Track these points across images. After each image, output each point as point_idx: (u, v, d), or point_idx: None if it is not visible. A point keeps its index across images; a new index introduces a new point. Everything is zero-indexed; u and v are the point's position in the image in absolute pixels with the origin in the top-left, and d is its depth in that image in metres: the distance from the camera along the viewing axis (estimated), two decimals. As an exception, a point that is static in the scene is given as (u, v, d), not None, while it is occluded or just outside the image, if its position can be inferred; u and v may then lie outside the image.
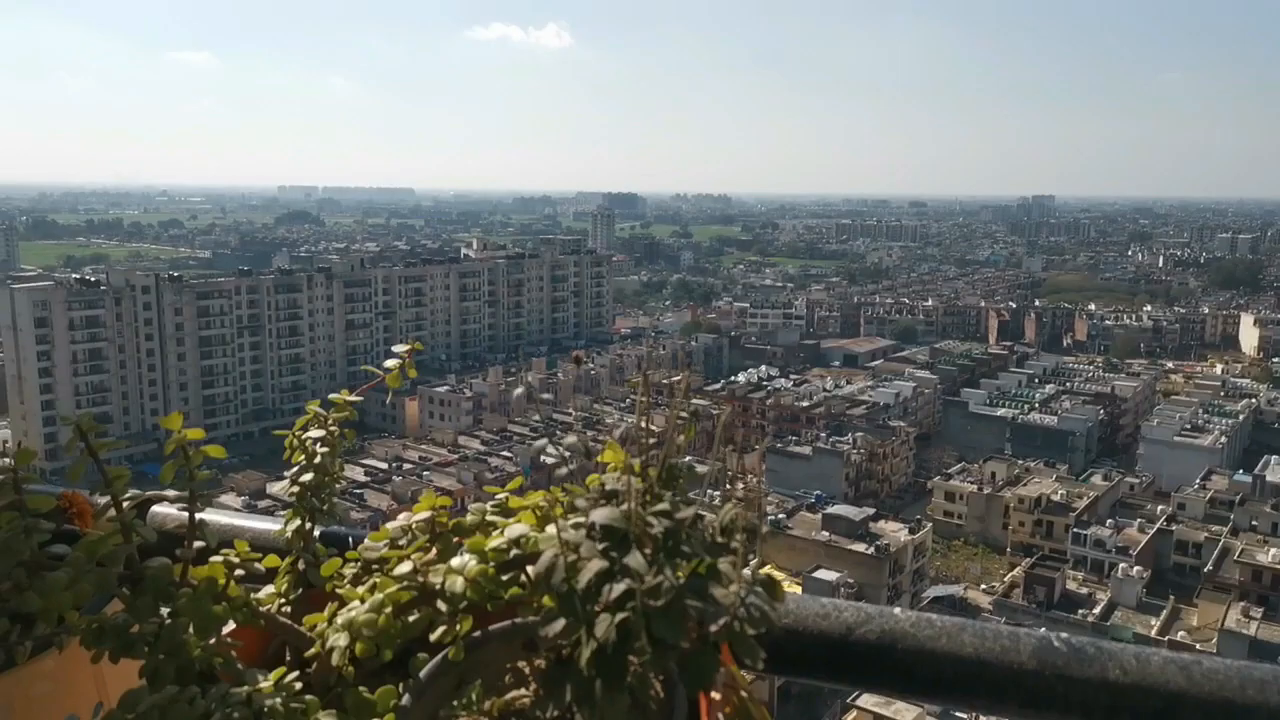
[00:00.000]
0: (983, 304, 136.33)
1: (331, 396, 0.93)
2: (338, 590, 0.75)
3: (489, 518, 0.79)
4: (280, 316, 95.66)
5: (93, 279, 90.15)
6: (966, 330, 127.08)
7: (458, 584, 0.63)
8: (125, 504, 0.90)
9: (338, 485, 0.87)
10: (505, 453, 67.70)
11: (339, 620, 0.64)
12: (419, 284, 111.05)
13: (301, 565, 0.79)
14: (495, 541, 0.66)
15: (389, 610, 0.65)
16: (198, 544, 0.70)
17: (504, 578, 0.66)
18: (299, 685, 0.67)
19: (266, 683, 0.66)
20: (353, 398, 0.94)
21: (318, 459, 0.86)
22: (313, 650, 0.68)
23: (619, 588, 0.54)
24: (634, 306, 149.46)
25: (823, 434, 71.10)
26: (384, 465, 59.74)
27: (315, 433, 0.87)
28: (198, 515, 0.70)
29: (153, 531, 0.66)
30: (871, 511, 56.16)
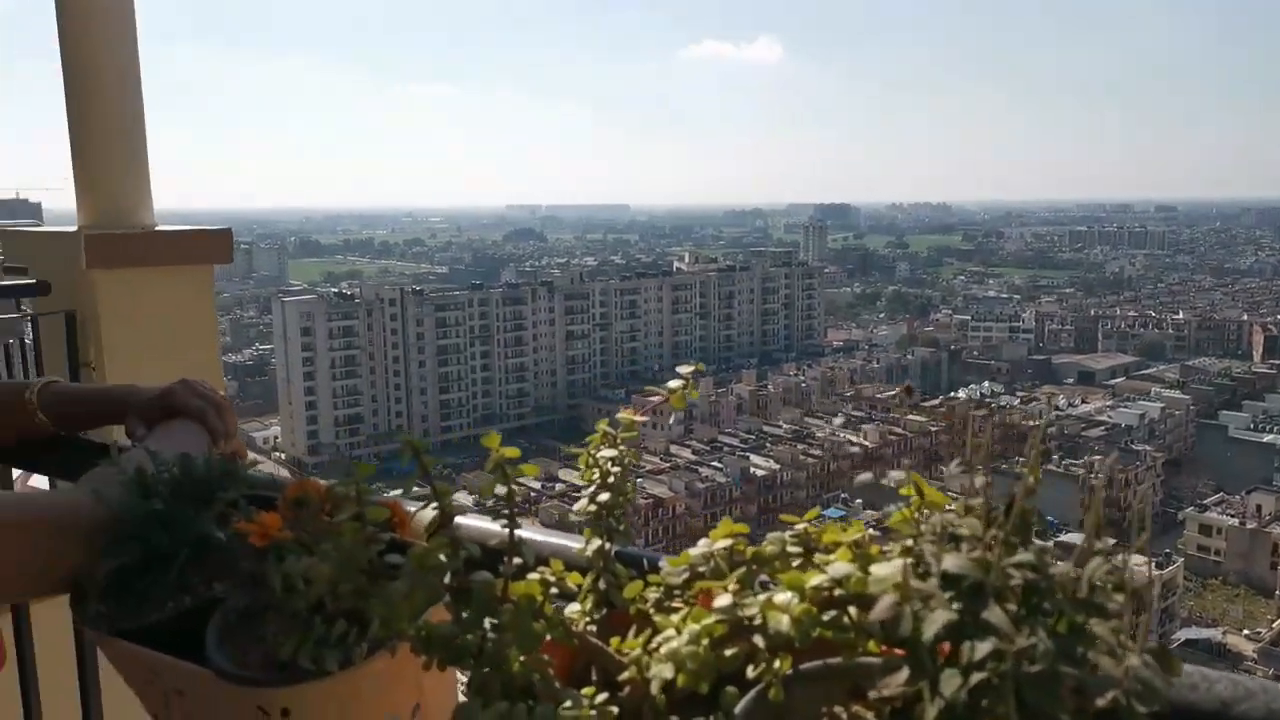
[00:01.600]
0: (1245, 317, 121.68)
1: (619, 415, 0.94)
2: (644, 614, 0.75)
3: (789, 549, 0.76)
4: (507, 327, 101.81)
5: (348, 293, 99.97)
6: (1225, 347, 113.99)
7: (783, 622, 0.60)
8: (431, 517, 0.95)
9: (630, 505, 0.87)
10: (715, 463, 68.12)
11: (662, 650, 0.64)
12: (633, 296, 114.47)
13: (602, 585, 0.80)
14: (816, 579, 0.63)
15: (705, 642, 0.64)
16: (516, 560, 0.72)
17: (824, 617, 0.63)
18: (615, 710, 0.67)
19: (579, 704, 0.66)
20: (639, 417, 0.94)
21: (611, 479, 0.87)
22: (626, 675, 0.68)
23: (984, 646, 0.49)
24: (846, 319, 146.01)
25: (1055, 456, 66.14)
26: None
27: (608, 452, 0.88)
28: (517, 532, 0.72)
29: (476, 546, 0.68)
30: (1112, 542, 51.49)
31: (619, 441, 0.93)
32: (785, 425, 77.23)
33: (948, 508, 0.60)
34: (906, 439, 76.01)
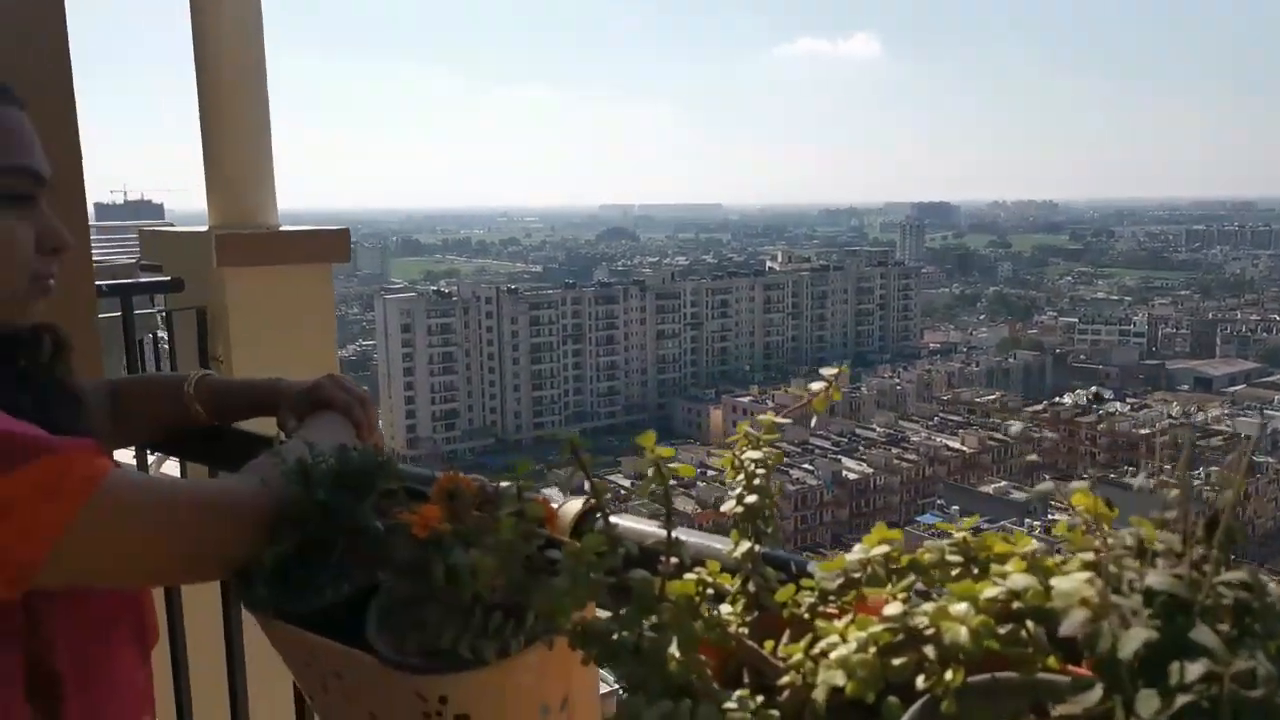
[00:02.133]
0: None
1: (760, 418, 0.93)
2: (799, 618, 0.74)
3: (948, 558, 0.74)
4: (599, 326, 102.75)
5: (446, 291, 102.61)
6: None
7: (961, 634, 0.58)
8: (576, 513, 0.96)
9: (777, 507, 0.87)
10: (806, 465, 67.28)
11: (832, 656, 0.63)
12: (725, 296, 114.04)
13: (751, 587, 0.79)
14: (991, 591, 0.61)
15: (873, 651, 0.63)
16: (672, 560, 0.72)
17: (1000, 630, 0.61)
18: (774, 714, 0.66)
19: (746, 707, 0.66)
20: (781, 420, 0.94)
21: (757, 481, 0.86)
22: (785, 679, 0.67)
23: (1195, 668, 0.47)
24: (944, 320, 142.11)
25: (1167, 466, 63.00)
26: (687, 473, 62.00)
27: (754, 454, 0.87)
28: (674, 533, 0.73)
29: (635, 545, 0.69)
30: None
31: (761, 443, 0.92)
32: (879, 428, 75.68)
33: (1128, 521, 0.58)
34: (1007, 445, 73.56)
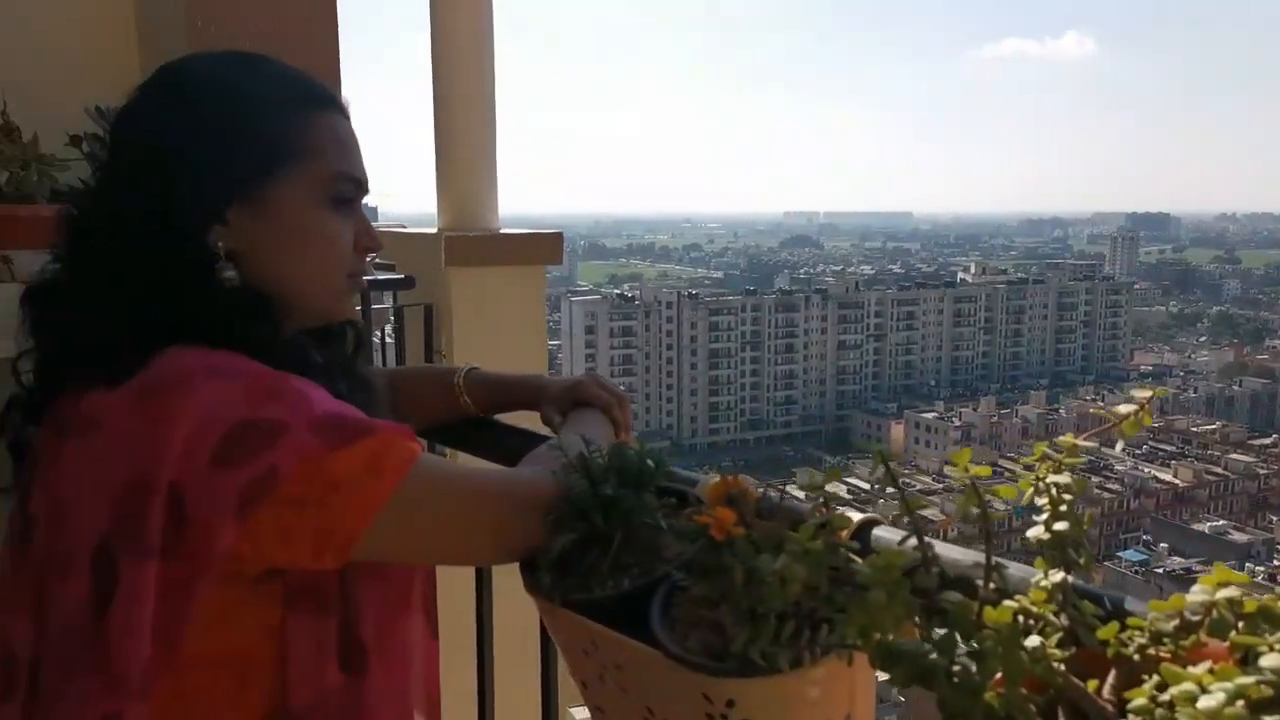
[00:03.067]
0: None
1: (1059, 439, 0.88)
2: (1126, 658, 0.68)
3: (1310, 607, 0.67)
4: (778, 334, 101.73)
5: (629, 295, 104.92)
6: None
7: (1362, 695, 0.53)
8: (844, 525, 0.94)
9: (1089, 537, 0.81)
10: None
11: (1199, 706, 0.58)
12: (911, 307, 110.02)
13: (1064, 620, 0.74)
14: (1396, 651, 0.54)
15: (1241, 704, 0.57)
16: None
17: None
18: (1114, 760, 0.61)
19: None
20: (1083, 442, 0.88)
21: (1064, 507, 0.81)
22: (1122, 725, 0.62)
23: None
24: (1158, 341, 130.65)
25: None
26: (866, 485, 60.18)
27: (1061, 478, 0.82)
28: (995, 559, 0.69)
29: (946, 568, 0.66)
30: None
31: (1063, 466, 0.87)
32: (1078, 454, 70.59)
33: None
34: (1228, 480, 66.78)
